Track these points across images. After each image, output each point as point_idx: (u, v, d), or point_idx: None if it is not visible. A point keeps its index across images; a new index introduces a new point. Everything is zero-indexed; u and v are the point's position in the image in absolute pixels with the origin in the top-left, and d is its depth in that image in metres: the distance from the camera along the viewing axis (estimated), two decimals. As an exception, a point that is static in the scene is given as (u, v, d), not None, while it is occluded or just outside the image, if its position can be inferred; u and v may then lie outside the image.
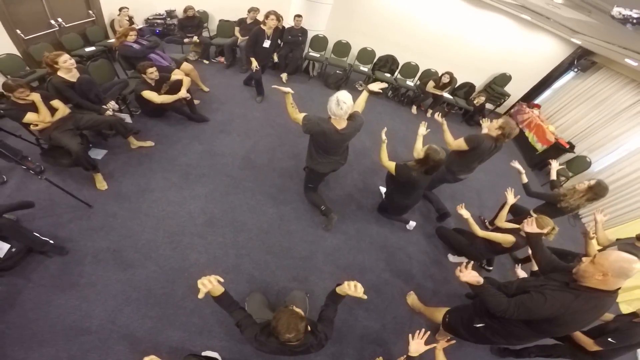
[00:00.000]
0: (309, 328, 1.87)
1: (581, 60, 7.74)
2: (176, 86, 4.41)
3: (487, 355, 3.38)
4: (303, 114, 3.03)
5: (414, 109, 7.61)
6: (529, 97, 8.96)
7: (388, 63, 7.85)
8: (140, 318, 2.66)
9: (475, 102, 7.58)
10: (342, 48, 7.80)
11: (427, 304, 3.39)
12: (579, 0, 3.48)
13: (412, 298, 3.53)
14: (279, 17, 5.11)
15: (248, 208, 3.83)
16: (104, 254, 3.00)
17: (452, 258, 4.22)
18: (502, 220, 3.74)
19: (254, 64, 5.11)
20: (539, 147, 7.41)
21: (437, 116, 4.09)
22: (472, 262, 2.23)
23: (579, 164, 6.84)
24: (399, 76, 8.04)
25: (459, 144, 3.73)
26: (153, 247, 3.16)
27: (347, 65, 7.64)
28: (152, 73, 4.10)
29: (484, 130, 3.81)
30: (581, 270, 1.92)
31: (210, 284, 1.88)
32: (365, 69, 7.58)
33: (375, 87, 3.27)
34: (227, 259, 3.26)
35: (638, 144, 6.18)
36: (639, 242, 3.37)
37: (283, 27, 6.39)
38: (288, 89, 3.01)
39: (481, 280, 2.14)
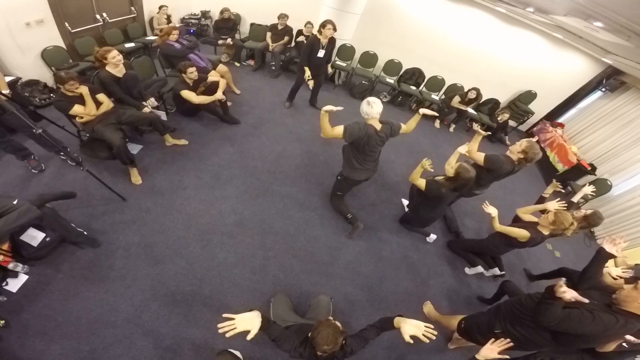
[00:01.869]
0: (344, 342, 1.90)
1: (610, 80, 7.44)
2: (212, 87, 4.46)
3: None
4: (340, 127, 3.04)
5: (437, 123, 7.49)
6: (553, 116, 8.71)
7: (415, 76, 7.81)
8: (166, 314, 2.67)
9: (499, 118, 7.45)
10: (369, 59, 7.77)
11: (443, 313, 3.38)
12: (618, 25, 3.43)
13: (428, 307, 3.53)
14: (335, 27, 4.93)
15: (276, 211, 3.86)
16: (135, 248, 3.04)
17: (468, 271, 4.20)
18: (525, 212, 3.62)
19: (307, 73, 5.06)
20: (560, 167, 7.20)
21: (477, 127, 3.94)
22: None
23: (600, 187, 6.53)
24: (424, 89, 7.97)
25: (479, 157, 3.65)
26: (184, 244, 3.20)
27: (372, 75, 7.61)
28: (192, 73, 4.16)
29: (474, 147, 3.71)
30: (623, 295, 1.93)
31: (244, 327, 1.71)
32: (391, 80, 7.55)
33: (429, 111, 3.43)
34: (255, 260, 3.29)
35: None
36: None
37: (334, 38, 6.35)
38: (339, 108, 2.97)
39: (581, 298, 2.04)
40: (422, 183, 3.49)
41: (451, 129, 7.42)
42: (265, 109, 5.62)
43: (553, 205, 3.46)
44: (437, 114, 3.60)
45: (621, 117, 7.14)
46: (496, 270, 4.17)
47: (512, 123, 8.63)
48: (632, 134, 6.75)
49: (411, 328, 1.99)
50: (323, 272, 3.45)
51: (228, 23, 6.53)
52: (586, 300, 1.91)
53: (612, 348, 2.46)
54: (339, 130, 3.03)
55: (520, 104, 8.48)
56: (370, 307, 3.33)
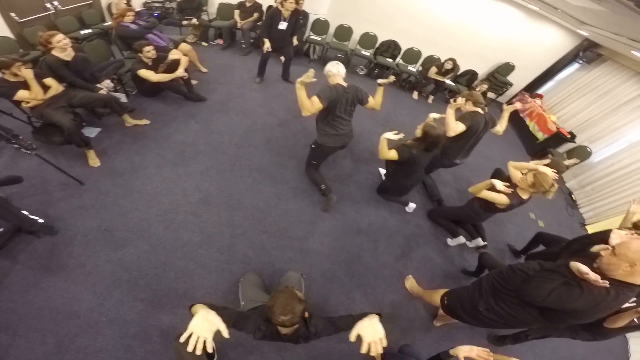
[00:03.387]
0: (306, 314, 1.69)
1: (587, 52, 7.54)
2: (174, 66, 4.29)
3: (485, 345, 3.17)
4: (314, 97, 3.02)
5: (415, 95, 7.41)
6: (532, 88, 8.75)
7: (390, 48, 7.62)
8: (130, 300, 2.50)
9: (477, 89, 7.16)
10: (344, 32, 7.59)
11: (426, 287, 3.25)
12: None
13: (410, 282, 3.41)
14: (297, 0, 4.92)
15: (244, 186, 3.68)
16: (94, 233, 2.84)
17: (450, 242, 4.10)
18: (516, 167, 3.44)
19: (267, 44, 4.99)
20: (540, 136, 7.29)
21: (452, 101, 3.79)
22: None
23: (580, 154, 6.70)
24: (400, 61, 7.84)
25: (458, 127, 3.58)
26: (145, 226, 3.00)
27: (348, 49, 7.47)
28: (149, 52, 3.99)
29: (450, 112, 3.58)
30: (605, 263, 1.83)
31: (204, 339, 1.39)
32: (367, 53, 7.38)
33: (385, 80, 3.43)
34: (222, 239, 3.10)
35: (638, 136, 6.07)
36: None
37: (299, 10, 6.06)
38: (312, 77, 2.92)
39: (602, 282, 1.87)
40: (393, 154, 3.39)
41: (430, 100, 7.33)
42: (234, 85, 5.42)
43: (542, 167, 3.37)
44: (393, 79, 3.52)
45: (598, 88, 7.25)
46: (479, 241, 4.08)
47: (491, 95, 8.67)
48: (609, 103, 6.86)
49: (368, 334, 1.59)
50: (297, 247, 3.30)
51: (192, 3, 6.29)
52: (606, 283, 1.76)
53: (623, 324, 2.41)
54: (315, 99, 3.01)
55: (499, 76, 8.44)
56: (350, 283, 3.21)
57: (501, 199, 3.14)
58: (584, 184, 6.76)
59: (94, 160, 3.41)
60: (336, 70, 3.18)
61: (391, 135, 3.35)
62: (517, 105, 3.76)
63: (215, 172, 3.72)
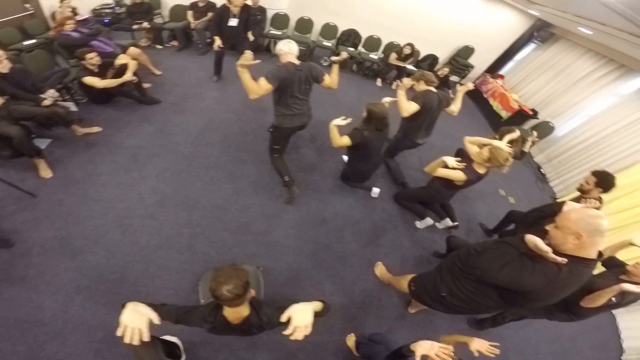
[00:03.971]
0: (252, 293, 1.71)
1: (540, 32, 7.97)
2: (122, 71, 4.30)
3: (466, 330, 3.39)
4: (261, 78, 3.01)
5: (378, 82, 7.68)
6: (494, 69, 9.17)
7: (351, 37, 7.86)
8: (93, 306, 2.55)
9: (439, 73, 7.63)
10: (305, 25, 7.75)
11: (396, 273, 3.29)
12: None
13: (380, 269, 3.49)
14: None
15: (202, 185, 3.73)
16: (50, 242, 2.87)
17: (419, 224, 4.22)
18: (472, 142, 3.55)
19: (217, 42, 5.03)
20: (504, 114, 7.68)
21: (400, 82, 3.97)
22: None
23: (543, 129, 7.09)
24: (362, 50, 8.06)
25: (411, 107, 3.73)
26: (102, 232, 3.03)
27: (310, 41, 7.61)
28: (92, 58, 3.99)
29: (400, 93, 3.71)
30: (552, 238, 1.77)
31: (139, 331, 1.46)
32: (329, 44, 7.60)
33: (337, 57, 3.40)
34: (181, 239, 3.16)
35: (597, 110, 6.50)
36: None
37: (250, 6, 6.18)
38: (252, 59, 2.97)
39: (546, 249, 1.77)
40: (345, 139, 3.50)
41: (394, 86, 7.52)
42: (190, 85, 5.45)
43: (496, 142, 3.49)
44: (346, 55, 3.55)
45: (555, 66, 7.71)
46: (448, 222, 4.20)
47: (455, 78, 9.08)
48: (566, 80, 7.31)
49: (297, 318, 1.61)
50: (260, 242, 3.37)
51: (141, 7, 6.27)
52: (564, 260, 1.66)
53: (601, 303, 2.47)
54: (262, 81, 2.98)
55: (460, 59, 8.79)
56: (318, 274, 3.30)
57: (457, 175, 3.22)
58: (551, 157, 7.17)
59: (45, 172, 3.40)
60: (287, 49, 3.18)
61: (339, 121, 3.45)
62: (470, 85, 4.08)
63: (171, 174, 3.76)
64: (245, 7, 5.09)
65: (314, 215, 3.86)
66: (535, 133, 4.43)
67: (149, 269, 2.88)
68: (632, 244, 2.73)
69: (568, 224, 1.66)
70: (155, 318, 1.54)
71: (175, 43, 6.69)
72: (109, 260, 2.86)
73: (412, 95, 3.78)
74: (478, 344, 1.88)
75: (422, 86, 3.90)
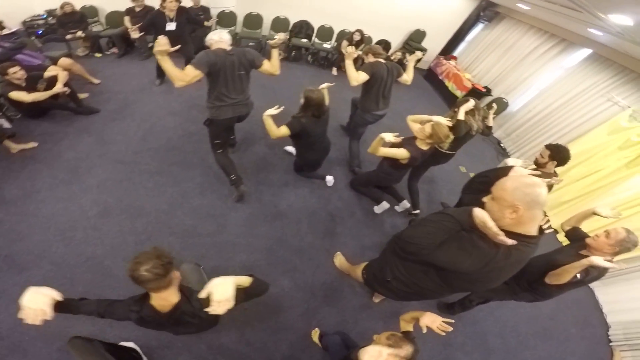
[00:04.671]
0: (177, 275, 1.69)
1: (486, 12, 8.54)
2: (53, 83, 4.32)
3: (435, 313, 3.50)
4: (188, 65, 2.98)
5: (334, 71, 7.96)
6: (447, 51, 9.69)
7: (303, 28, 8.09)
8: None
9: (392, 57, 8.00)
10: (254, 20, 7.90)
11: (356, 262, 3.30)
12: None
13: (339, 259, 3.58)
14: None
15: (145, 192, 3.80)
16: None
17: (377, 209, 4.39)
18: (414, 120, 3.72)
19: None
20: (459, 94, 8.10)
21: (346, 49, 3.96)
22: None
23: (498, 105, 7.35)
24: (316, 40, 8.30)
25: (360, 76, 3.90)
26: (45, 247, 3.10)
27: (260, 36, 7.78)
28: (16, 73, 3.97)
29: (348, 63, 3.86)
30: (489, 212, 1.62)
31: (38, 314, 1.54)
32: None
33: (274, 40, 3.49)
34: (126, 247, 3.23)
35: (545, 83, 7.05)
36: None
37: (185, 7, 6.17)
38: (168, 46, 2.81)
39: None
40: (283, 129, 3.56)
41: (334, 72, 7.92)
42: (131, 91, 5.47)
43: (436, 117, 3.61)
44: (284, 37, 3.76)
45: (503, 44, 8.31)
46: (405, 203, 4.39)
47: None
48: (514, 57, 7.89)
49: (217, 292, 1.61)
50: (209, 243, 3.46)
51: (73, 17, 6.25)
52: (513, 242, 1.53)
53: (566, 280, 2.47)
54: (189, 68, 2.95)
55: (413, 43, 9.20)
56: (274, 270, 3.41)
57: (401, 153, 3.35)
58: (509, 131, 7.68)
59: (-21, 194, 3.37)
60: (218, 37, 3.18)
61: (272, 111, 3.46)
62: (419, 54, 4.43)
63: (112, 183, 3.81)
64: (181, 9, 5.16)
65: (267, 211, 3.98)
66: (495, 106, 4.66)
67: (96, 279, 2.97)
68: (595, 214, 2.84)
69: (504, 194, 1.53)
70: (57, 296, 1.57)
71: (115, 50, 6.70)
72: (55, 273, 2.95)
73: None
74: (428, 319, 1.85)
75: (370, 59, 4.11)
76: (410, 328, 1.95)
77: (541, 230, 1.70)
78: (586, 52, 6.44)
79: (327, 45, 8.06)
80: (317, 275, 3.50)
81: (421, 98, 8.69)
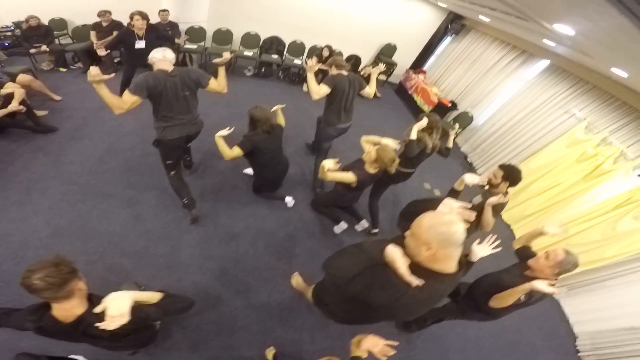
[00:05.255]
0: (81, 286, 1.74)
1: (453, 24, 9.02)
2: (9, 100, 4.42)
3: (394, 334, 3.74)
4: (125, 92, 3.02)
5: (305, 87, 8.18)
6: (418, 65, 10.19)
7: (274, 44, 8.38)
8: None
9: (362, 73, 8.47)
10: (223, 36, 8.18)
11: (314, 283, 3.30)
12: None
13: (296, 279, 3.69)
14: (145, 16, 5.27)
15: (98, 214, 3.95)
16: None
17: (336, 229, 4.59)
18: (367, 141, 3.86)
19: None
20: (426, 109, 8.54)
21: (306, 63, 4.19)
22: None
23: (463, 120, 8.08)
24: (287, 56, 8.63)
25: (321, 89, 4.08)
26: None
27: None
28: None
29: (309, 76, 4.16)
30: (407, 246, 1.69)
31: None
32: (249, 53, 8.04)
33: (220, 59, 3.64)
34: (78, 267, 3.47)
35: (508, 96, 7.49)
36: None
37: (153, 25, 6.27)
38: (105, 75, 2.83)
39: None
40: (236, 150, 3.70)
41: (305, 89, 8.16)
42: (92, 109, 5.57)
43: (385, 140, 3.79)
44: (229, 56, 3.75)
45: (469, 57, 8.78)
46: (364, 223, 4.61)
47: (382, 77, 10.06)
48: (479, 69, 8.33)
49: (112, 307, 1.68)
50: (162, 264, 3.62)
51: (39, 30, 6.38)
52: (420, 282, 1.57)
53: (509, 303, 2.56)
54: (126, 94, 2.99)
55: (384, 57, 9.63)
56: (227, 290, 3.58)
57: (348, 177, 3.51)
58: (475, 145, 8.06)
59: None
60: (161, 55, 3.21)
61: (223, 132, 3.64)
62: (381, 67, 4.61)
63: (66, 204, 3.95)
64: (150, 27, 5.40)
65: (222, 232, 4.15)
66: (457, 125, 4.85)
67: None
68: (543, 233, 2.96)
69: (420, 231, 1.59)
70: None
71: (80, 65, 6.85)
72: (5, 290, 3.09)
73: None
74: (369, 343, 1.83)
75: (334, 71, 4.28)
76: (360, 353, 1.88)
77: (468, 263, 2.00)
78: (545, 63, 6.90)
79: (298, 61, 8.34)
80: (273, 295, 3.68)
81: (391, 113, 9.06)
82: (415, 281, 1.55)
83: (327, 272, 1.94)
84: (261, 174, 4.42)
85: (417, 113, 8.68)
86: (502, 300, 2.62)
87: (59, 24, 7.17)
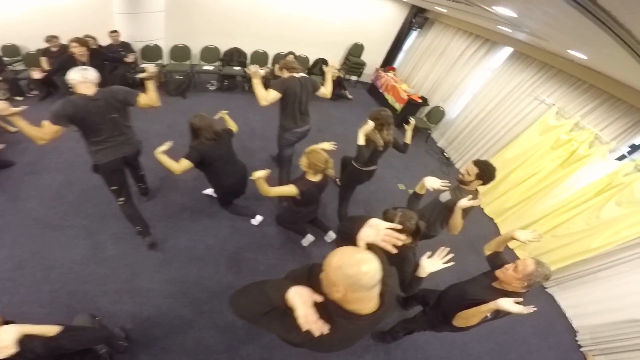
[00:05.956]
0: None
1: (417, 18, 9.59)
2: None
3: (372, 345, 4.08)
4: (44, 122, 3.06)
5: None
6: (388, 62, 10.86)
7: (234, 56, 8.91)
8: None
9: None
10: (180, 52, 8.71)
11: None
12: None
13: None
14: (84, 42, 5.62)
15: (58, 245, 4.34)
16: None
17: (304, 242, 4.94)
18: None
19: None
20: (398, 106, 9.09)
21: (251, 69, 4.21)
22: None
23: (436, 115, 8.67)
24: (250, 66, 8.93)
25: (270, 95, 4.26)
26: None
27: (188, 68, 8.43)
28: None
29: (255, 82, 4.30)
30: (321, 283, 1.62)
31: None
32: (210, 67, 8.57)
33: (145, 73, 3.69)
34: (42, 295, 3.80)
35: (477, 87, 8.06)
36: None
37: (98, 50, 6.74)
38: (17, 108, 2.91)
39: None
40: (184, 162, 3.83)
41: None
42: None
43: (322, 145, 4.05)
44: (154, 71, 3.73)
45: (435, 50, 9.36)
46: (331, 234, 4.95)
47: (354, 78, 10.77)
48: (446, 62, 8.91)
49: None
50: (123, 290, 3.99)
51: None
52: (320, 331, 1.47)
53: (474, 322, 2.62)
54: (46, 124, 3.05)
55: (352, 58, 10.27)
56: (191, 312, 3.91)
57: (289, 190, 3.74)
58: (451, 139, 8.62)
59: None
60: (80, 77, 3.17)
61: (162, 147, 3.75)
62: (335, 64, 4.85)
63: (26, 239, 4.34)
64: (94, 52, 5.78)
65: (183, 255, 4.50)
66: (413, 121, 4.90)
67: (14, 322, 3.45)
68: (514, 239, 2.97)
69: (329, 271, 1.52)
70: None
71: (37, 92, 7.19)
72: None
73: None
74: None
75: (285, 74, 4.46)
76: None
77: (416, 279, 2.27)
78: (508, 50, 7.43)
79: (262, 71, 8.74)
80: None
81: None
82: (317, 331, 1.45)
83: (233, 310, 1.83)
84: (218, 183, 4.55)
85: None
86: (466, 320, 2.65)
87: (11, 50, 7.56)
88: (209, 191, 5.39)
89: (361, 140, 4.08)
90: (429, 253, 2.52)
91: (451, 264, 2.50)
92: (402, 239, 1.75)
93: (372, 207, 6.02)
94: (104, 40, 7.42)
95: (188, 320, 3.83)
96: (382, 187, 6.52)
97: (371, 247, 1.73)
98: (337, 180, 6.02)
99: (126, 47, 7.59)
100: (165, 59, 8.73)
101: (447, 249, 2.60)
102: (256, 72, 4.14)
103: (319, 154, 3.67)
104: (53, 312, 3.74)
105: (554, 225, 5.96)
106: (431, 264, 2.49)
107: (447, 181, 3.52)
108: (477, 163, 3.50)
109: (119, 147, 3.75)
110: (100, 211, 4.89)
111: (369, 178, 4.86)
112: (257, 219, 5.12)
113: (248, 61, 9.31)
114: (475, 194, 3.56)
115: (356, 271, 1.44)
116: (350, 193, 5.07)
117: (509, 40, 7.19)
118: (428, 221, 3.98)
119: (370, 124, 4.05)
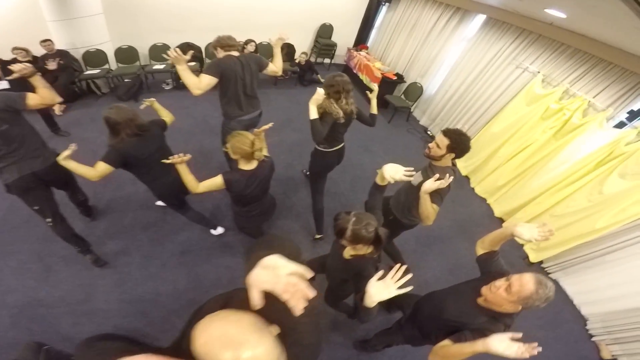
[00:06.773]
0: None
1: None
2: None
3: (355, 355, 4.30)
4: None
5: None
6: (361, 41, 11.22)
7: (186, 52, 9.14)
8: None
9: (297, 61, 9.47)
10: (126, 54, 9.12)
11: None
12: None
13: None
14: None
15: (10, 271, 4.64)
16: None
17: (214, 232, 5.27)
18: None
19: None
20: (373, 86, 9.17)
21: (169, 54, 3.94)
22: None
23: (414, 91, 9.04)
24: (208, 60, 9.38)
25: (202, 81, 4.10)
26: None
27: (136, 69, 8.94)
28: None
29: (180, 69, 4.16)
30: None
31: None
32: (161, 67, 8.84)
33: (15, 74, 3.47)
34: (2, 320, 4.12)
35: (454, 59, 8.43)
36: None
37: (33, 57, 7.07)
38: None
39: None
40: (101, 166, 3.59)
41: None
42: None
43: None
44: (56, 65, 3.74)
45: (407, 24, 9.72)
46: (220, 229, 5.21)
47: (327, 61, 11.21)
48: (419, 35, 9.28)
49: None
50: (79, 312, 4.27)
51: None
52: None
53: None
54: None
55: (322, 40, 10.62)
56: (152, 330, 4.16)
57: (215, 182, 3.58)
58: (433, 116, 9.04)
59: None
60: None
61: (66, 152, 3.52)
62: (283, 36, 4.56)
63: None
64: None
65: (137, 274, 4.79)
66: (376, 87, 4.94)
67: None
68: (514, 235, 2.59)
69: (195, 348, 1.21)
70: None
71: None
72: None
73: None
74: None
75: (221, 54, 4.32)
76: None
77: (363, 309, 2.05)
78: (481, 18, 7.73)
79: (187, 56, 8.84)
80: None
81: None
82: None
83: None
84: (155, 185, 4.31)
85: (364, 91, 9.35)
86: (443, 359, 2.41)
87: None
88: (160, 202, 5.51)
89: (313, 114, 3.72)
90: (380, 273, 2.14)
91: (408, 288, 2.09)
92: (312, 295, 1.31)
93: (350, 200, 6.22)
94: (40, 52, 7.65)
95: (149, 340, 3.94)
96: (361, 176, 6.65)
97: (270, 297, 1.32)
98: (305, 170, 6.23)
99: (64, 55, 7.83)
100: (113, 63, 8.96)
101: (404, 267, 2.18)
102: (177, 56, 3.87)
103: (242, 135, 3.48)
104: (16, 336, 4.06)
105: (553, 203, 6.09)
106: (381, 289, 2.07)
107: (411, 168, 2.98)
108: (447, 133, 3.33)
109: (23, 162, 3.67)
110: (47, 234, 4.90)
111: (338, 160, 4.73)
112: (218, 230, 5.32)
113: (204, 55, 9.62)
114: (451, 171, 3.30)
115: (218, 355, 1.10)
116: (322, 183, 4.95)
117: (480, 6, 7.45)
118: (404, 208, 4.04)
119: (320, 93, 3.63)
